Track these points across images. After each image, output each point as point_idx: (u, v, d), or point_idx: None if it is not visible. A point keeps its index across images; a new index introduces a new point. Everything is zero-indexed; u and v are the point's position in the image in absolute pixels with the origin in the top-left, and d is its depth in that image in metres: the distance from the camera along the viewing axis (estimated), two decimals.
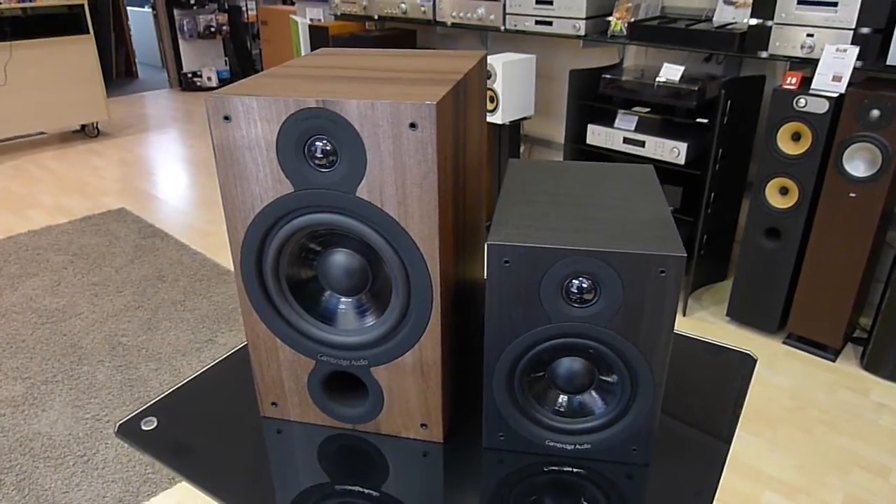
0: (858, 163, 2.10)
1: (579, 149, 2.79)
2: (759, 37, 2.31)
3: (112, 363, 2.39)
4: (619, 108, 2.67)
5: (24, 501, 1.80)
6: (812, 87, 2.14)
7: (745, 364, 1.00)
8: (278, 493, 0.79)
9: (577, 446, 0.80)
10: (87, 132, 5.09)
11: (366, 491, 0.79)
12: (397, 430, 0.85)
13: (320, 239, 0.78)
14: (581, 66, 2.76)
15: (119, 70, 7.17)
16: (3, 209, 3.75)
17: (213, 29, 6.42)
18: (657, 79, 2.50)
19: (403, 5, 3.38)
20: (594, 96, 2.73)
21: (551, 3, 2.84)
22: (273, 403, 0.88)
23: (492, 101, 2.90)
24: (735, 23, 2.52)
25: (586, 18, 2.77)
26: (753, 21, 2.32)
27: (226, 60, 6.70)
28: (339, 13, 3.78)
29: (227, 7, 6.47)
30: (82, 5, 4.54)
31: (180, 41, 6.38)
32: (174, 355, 2.43)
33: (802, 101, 2.14)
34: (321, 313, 0.81)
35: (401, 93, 0.69)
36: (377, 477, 0.81)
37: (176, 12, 6.27)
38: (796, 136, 2.20)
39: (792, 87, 2.17)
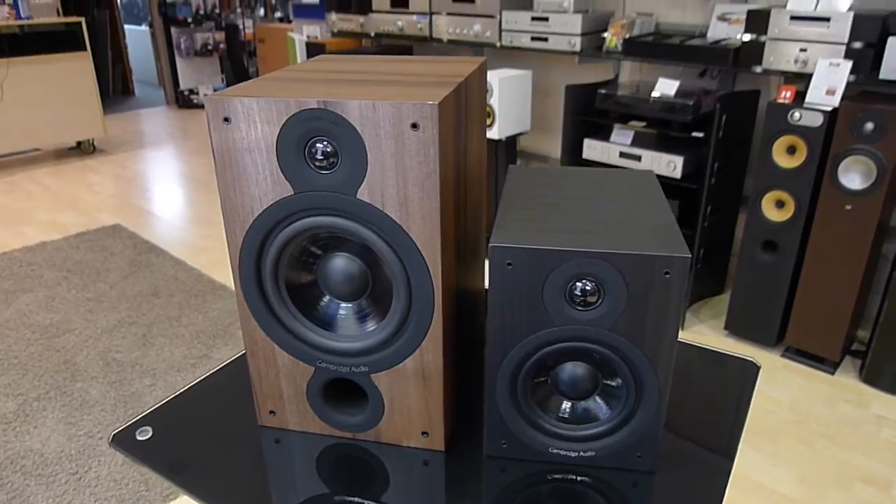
0: (854, 175, 2.11)
1: (576, 163, 2.79)
2: (753, 52, 2.33)
3: (106, 379, 2.36)
4: (615, 123, 2.69)
5: None
6: (806, 100, 2.15)
7: (747, 371, 0.99)
8: None
9: (582, 453, 0.79)
10: (83, 149, 5.09)
11: (366, 502, 0.77)
12: (398, 438, 0.84)
13: (320, 243, 0.77)
14: (577, 82, 2.77)
15: (116, 88, 7.20)
16: None
17: (210, 47, 6.46)
18: (653, 93, 2.52)
19: (400, 23, 3.40)
20: (590, 111, 2.75)
21: (547, 20, 2.86)
22: (271, 412, 0.87)
23: (488, 116, 2.91)
24: (729, 39, 2.55)
25: (581, 35, 2.79)
26: (747, 37, 2.34)
27: (222, 78, 6.73)
28: (335, 30, 3.81)
29: (224, 25, 6.51)
30: (80, 23, 4.56)
31: (177, 59, 6.41)
32: (169, 371, 2.41)
33: (797, 114, 2.15)
34: (321, 319, 0.80)
35: (402, 94, 0.68)
36: (377, 487, 0.79)
37: (173, 30, 6.31)
38: (791, 150, 2.21)
39: (786, 101, 2.19)
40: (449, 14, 3.18)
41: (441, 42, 3.27)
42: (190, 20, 6.27)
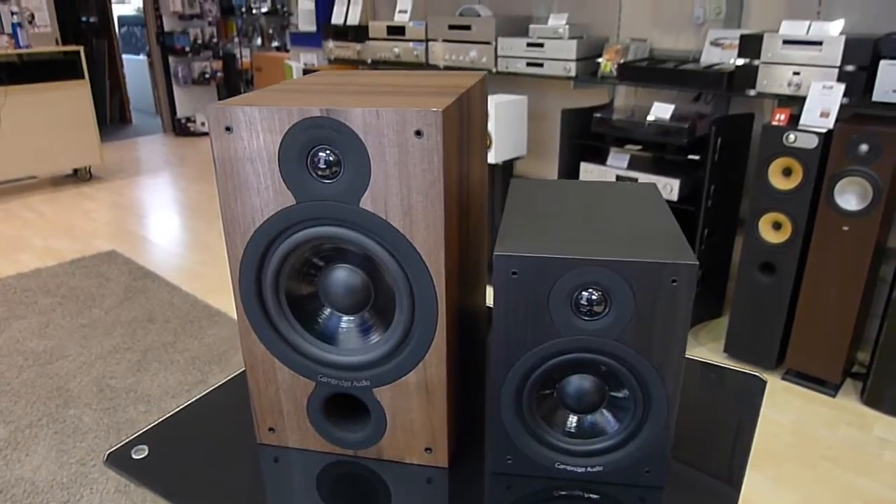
0: (850, 196, 2.12)
1: None
2: (747, 76, 2.36)
3: (99, 406, 2.32)
4: (611, 147, 2.70)
5: None
6: (801, 123, 2.17)
7: (753, 387, 0.98)
8: None
9: (589, 469, 0.77)
10: (80, 176, 5.09)
11: None
12: (400, 455, 0.82)
13: (322, 254, 0.76)
14: (572, 106, 2.79)
15: (113, 116, 7.23)
16: None
17: (207, 75, 6.51)
18: (648, 117, 2.54)
19: (396, 50, 3.44)
20: (586, 135, 2.76)
21: (542, 46, 2.90)
22: (270, 429, 0.85)
23: None
24: (722, 63, 2.58)
25: (577, 60, 2.82)
26: (740, 61, 2.37)
27: None
28: (332, 57, 3.84)
29: (221, 54, 6.57)
30: (79, 52, 4.59)
31: (175, 87, 6.46)
32: (163, 397, 2.37)
33: (792, 136, 2.17)
34: (322, 332, 0.79)
35: (405, 102, 0.68)
36: None
37: (171, 59, 6.37)
38: (787, 172, 2.23)
39: (781, 124, 2.20)
40: (445, 41, 3.21)
41: (437, 69, 3.30)
42: (188, 49, 6.33)
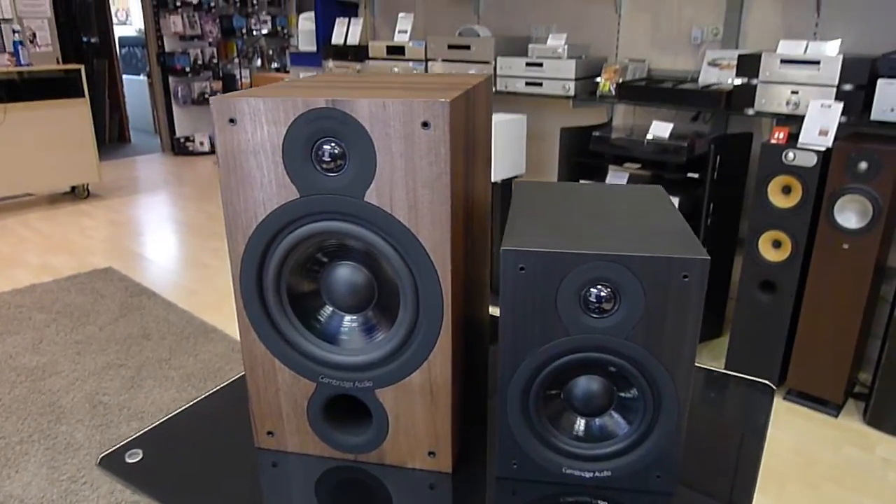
0: (850, 214, 2.12)
1: None
2: (745, 95, 2.37)
3: (92, 422, 2.28)
4: (609, 165, 2.71)
5: None
6: (800, 141, 2.18)
7: (761, 394, 0.96)
8: None
9: (597, 474, 0.75)
10: (77, 194, 5.07)
11: None
12: (403, 459, 0.80)
13: (324, 251, 0.75)
14: (571, 125, 2.80)
15: (112, 135, 7.24)
16: None
17: (207, 95, 6.54)
18: (647, 136, 2.54)
19: (396, 69, 3.46)
20: (585, 153, 2.77)
21: (541, 66, 2.92)
22: (269, 433, 0.83)
23: None
24: (720, 83, 2.59)
25: (575, 79, 2.84)
26: (739, 80, 2.39)
27: None
28: None
29: (221, 75, 6.61)
30: (79, 70, 4.61)
31: (174, 107, 6.48)
32: (157, 414, 2.33)
33: (791, 154, 2.17)
34: (323, 331, 0.77)
35: (412, 95, 0.67)
36: None
37: (171, 79, 6.40)
38: (787, 190, 2.23)
39: (780, 142, 2.21)
40: (444, 60, 3.23)
41: None
42: (188, 70, 6.37)
